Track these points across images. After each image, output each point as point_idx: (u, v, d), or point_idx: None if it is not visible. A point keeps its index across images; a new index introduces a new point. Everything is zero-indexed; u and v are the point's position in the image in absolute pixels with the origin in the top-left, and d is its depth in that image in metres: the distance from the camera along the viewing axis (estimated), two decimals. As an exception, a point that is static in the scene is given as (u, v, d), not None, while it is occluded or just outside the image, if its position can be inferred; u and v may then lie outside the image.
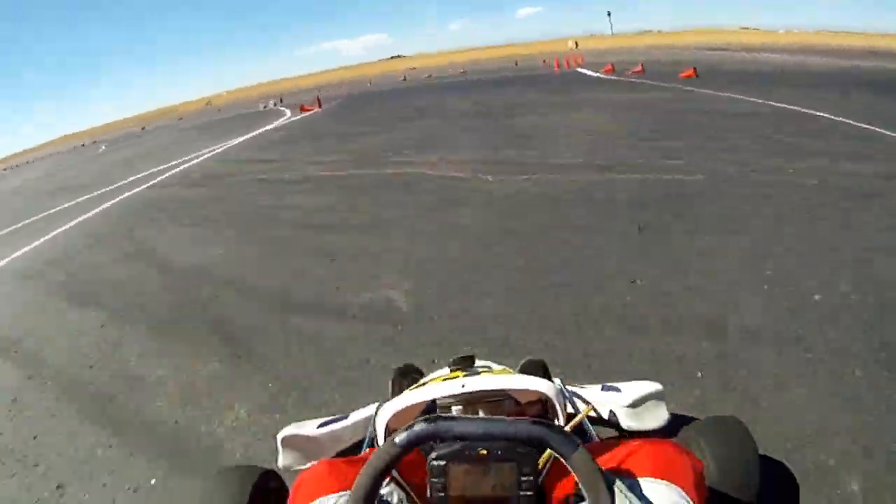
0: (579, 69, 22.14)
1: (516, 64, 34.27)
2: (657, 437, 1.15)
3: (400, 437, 0.74)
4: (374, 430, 1.51)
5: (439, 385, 1.13)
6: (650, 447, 0.95)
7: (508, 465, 0.76)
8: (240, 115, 24.58)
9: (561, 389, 1.21)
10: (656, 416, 1.71)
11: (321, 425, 1.80)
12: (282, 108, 23.68)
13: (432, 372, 1.51)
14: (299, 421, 1.91)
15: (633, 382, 1.81)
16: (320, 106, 19.92)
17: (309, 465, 1.73)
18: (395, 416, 1.09)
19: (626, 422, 1.73)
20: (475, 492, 0.77)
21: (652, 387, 1.72)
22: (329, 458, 1.75)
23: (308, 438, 1.75)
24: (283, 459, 1.74)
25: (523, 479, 0.76)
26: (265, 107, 27.82)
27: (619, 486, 0.77)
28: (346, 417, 1.84)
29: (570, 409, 1.39)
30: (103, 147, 25.17)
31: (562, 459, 0.74)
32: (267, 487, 1.35)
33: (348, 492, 0.81)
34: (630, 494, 0.78)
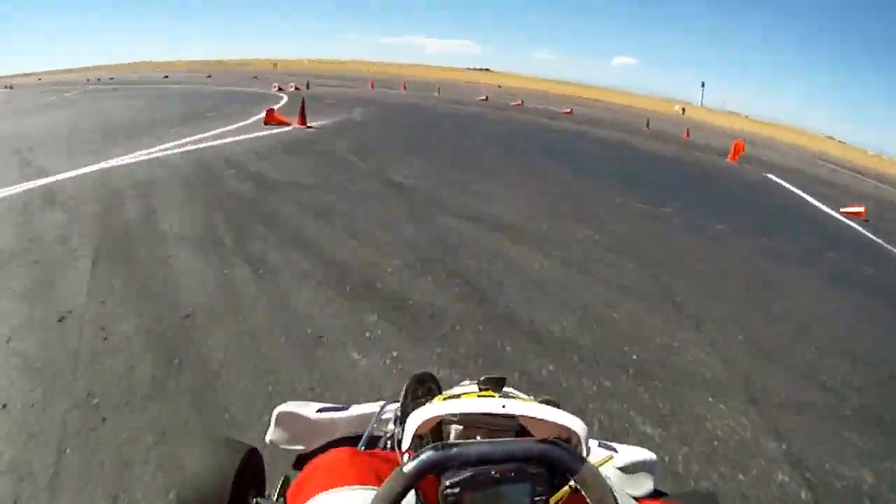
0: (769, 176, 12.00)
1: (648, 126, 21.81)
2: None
3: (409, 467, 0.74)
4: (391, 433, 1.50)
5: (476, 400, 1.11)
6: None
7: (521, 487, 0.76)
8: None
9: (587, 432, 1.18)
10: (643, 485, 1.76)
11: (320, 410, 1.79)
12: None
13: (459, 385, 1.46)
14: (298, 402, 1.89)
15: (630, 447, 1.85)
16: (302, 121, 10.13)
17: (297, 448, 1.76)
18: (423, 423, 1.07)
19: (615, 483, 1.65)
20: None
21: (646, 455, 1.78)
22: (318, 446, 1.77)
23: (304, 420, 1.74)
24: (272, 434, 1.73)
25: (536, 499, 0.77)
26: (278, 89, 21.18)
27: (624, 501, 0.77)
28: (346, 409, 1.83)
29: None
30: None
31: (569, 476, 0.76)
32: (249, 465, 1.33)
33: (369, 487, 0.86)
34: None
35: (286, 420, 1.72)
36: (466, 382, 1.43)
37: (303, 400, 1.98)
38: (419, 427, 1.05)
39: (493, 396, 1.17)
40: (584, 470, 0.76)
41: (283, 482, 1.64)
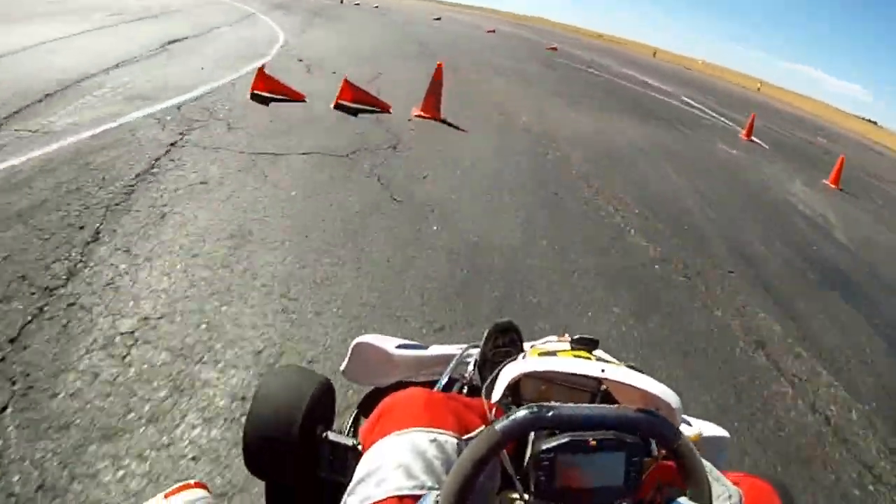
0: None
1: None
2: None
3: (503, 426, 0.71)
4: (470, 378, 1.44)
5: (575, 361, 1.06)
6: (752, 482, 0.98)
7: (617, 455, 0.73)
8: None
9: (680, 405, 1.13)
10: (716, 461, 1.65)
11: (400, 346, 1.68)
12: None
13: (544, 340, 1.42)
14: (380, 335, 1.77)
15: (705, 422, 1.79)
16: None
17: (377, 384, 1.69)
18: (520, 375, 1.02)
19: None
20: (583, 483, 0.73)
21: (720, 431, 1.72)
22: (392, 383, 1.69)
23: (383, 354, 1.63)
24: (348, 364, 1.64)
25: (630, 469, 0.74)
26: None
27: (715, 475, 0.78)
28: (425, 348, 1.72)
29: None
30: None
31: (665, 447, 0.75)
32: (321, 397, 1.28)
33: (448, 433, 0.84)
34: (726, 484, 0.78)
35: (363, 352, 1.61)
36: (554, 338, 1.39)
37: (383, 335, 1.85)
38: (513, 380, 1.01)
39: (590, 358, 1.13)
40: (681, 443, 0.75)
41: (354, 417, 1.60)
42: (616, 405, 0.76)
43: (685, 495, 0.75)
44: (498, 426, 0.71)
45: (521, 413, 0.72)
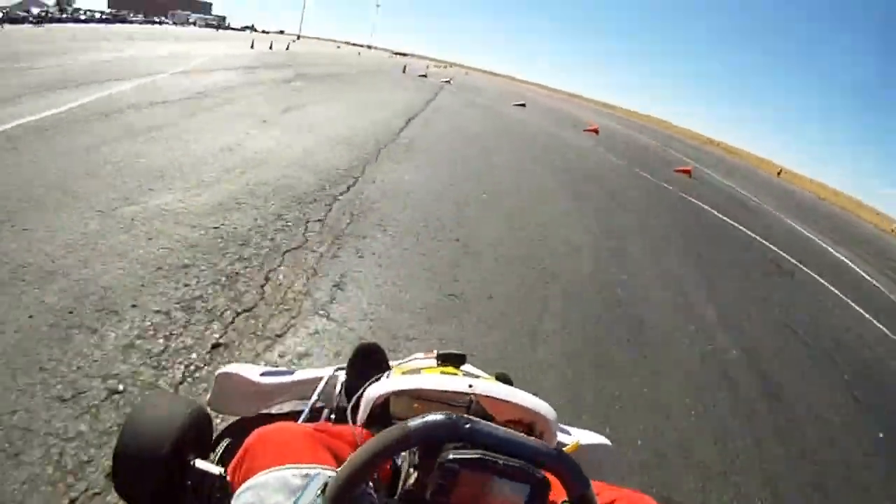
0: None
1: None
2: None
3: (415, 425, 0.69)
4: (337, 403, 1.45)
5: (441, 377, 1.07)
6: (632, 498, 0.95)
7: (522, 487, 0.70)
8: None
9: (556, 418, 1.11)
10: (597, 470, 1.61)
11: (264, 374, 1.67)
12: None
13: (411, 358, 1.42)
14: (242, 363, 1.80)
15: (586, 431, 1.79)
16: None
17: (243, 414, 1.69)
18: (385, 395, 1.04)
19: None
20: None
21: (601, 440, 1.72)
22: (262, 411, 1.70)
23: (247, 383, 1.62)
24: (213, 398, 1.65)
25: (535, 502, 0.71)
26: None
27: None
28: (291, 373, 1.71)
29: None
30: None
31: (568, 494, 0.72)
32: (194, 424, 1.27)
33: (319, 466, 0.80)
34: None
35: (228, 382, 1.62)
36: (421, 355, 1.38)
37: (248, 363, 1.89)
38: (377, 400, 1.03)
39: (457, 374, 1.12)
40: (588, 494, 0.71)
41: (224, 448, 1.53)
42: (537, 440, 0.74)
43: None
44: (411, 424, 0.69)
45: (438, 417, 0.69)
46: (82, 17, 25.88)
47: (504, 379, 1.56)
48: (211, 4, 73.08)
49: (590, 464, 1.61)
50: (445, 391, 1.00)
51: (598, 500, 0.77)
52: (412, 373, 1.14)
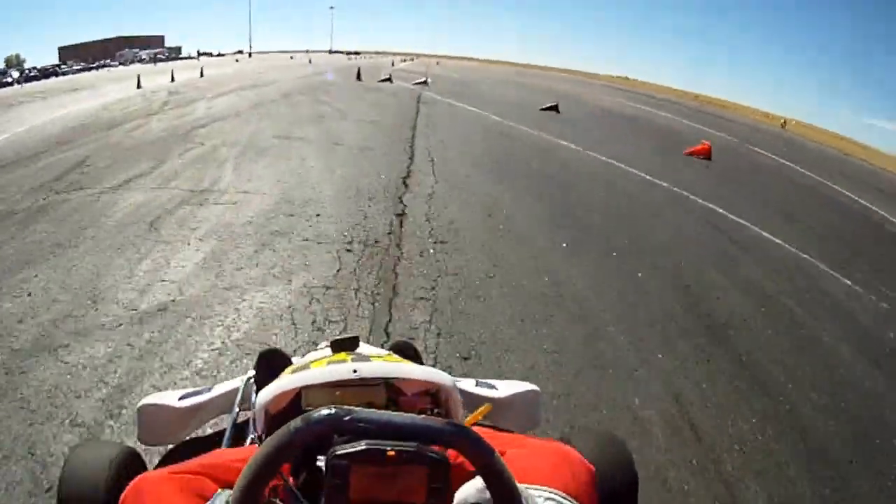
0: None
1: None
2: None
3: (297, 426, 0.65)
4: (241, 411, 1.45)
5: (325, 368, 1.05)
6: (544, 447, 0.93)
7: (419, 471, 0.67)
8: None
9: (455, 383, 1.10)
10: (530, 418, 1.74)
11: (182, 397, 1.68)
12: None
13: (309, 353, 1.42)
14: (159, 392, 1.83)
15: (509, 381, 1.84)
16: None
17: (172, 441, 1.70)
18: (274, 399, 1.02)
19: (500, 421, 1.68)
20: (381, 497, 0.67)
21: (527, 387, 1.76)
22: (189, 435, 1.70)
23: (168, 410, 1.62)
24: (141, 433, 1.63)
25: (433, 485, 0.67)
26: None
27: (525, 495, 0.72)
28: (209, 390, 1.73)
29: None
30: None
31: (474, 465, 0.68)
32: (125, 465, 1.26)
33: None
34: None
35: (149, 414, 1.62)
36: (323, 345, 1.37)
37: (163, 391, 1.89)
38: (269, 405, 1.01)
39: (346, 360, 1.10)
40: (494, 460, 0.68)
41: None
42: (429, 417, 0.71)
43: None
44: (292, 425, 0.66)
45: (318, 413, 0.66)
46: (8, 81, 22.53)
47: (404, 348, 1.60)
48: (163, 37, 70.52)
49: (518, 411, 1.71)
50: (330, 382, 1.00)
51: (502, 446, 0.77)
52: (302, 369, 1.12)
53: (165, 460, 1.65)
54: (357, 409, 0.66)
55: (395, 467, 0.66)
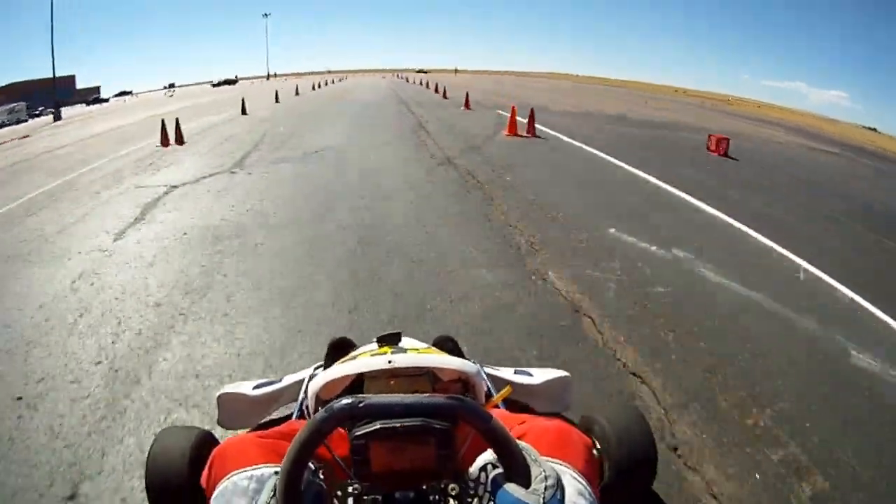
0: None
1: None
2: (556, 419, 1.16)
3: (320, 416, 0.78)
4: (307, 398, 1.58)
5: (367, 360, 1.20)
6: (545, 425, 1.03)
7: (425, 440, 0.80)
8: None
9: (479, 370, 1.26)
10: (561, 401, 1.92)
11: (256, 387, 1.88)
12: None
13: (363, 346, 1.58)
14: (236, 382, 2.05)
15: (544, 369, 2.01)
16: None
17: (248, 426, 1.87)
18: (324, 386, 1.17)
19: (534, 403, 1.89)
20: (397, 466, 0.81)
21: (559, 374, 1.93)
22: (264, 419, 1.90)
23: (244, 399, 1.83)
24: (221, 418, 1.85)
25: (441, 452, 0.80)
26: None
27: (527, 452, 0.80)
28: (280, 381, 1.93)
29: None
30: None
31: (476, 431, 0.79)
32: (202, 447, 1.41)
33: (264, 466, 0.92)
34: (538, 461, 0.80)
35: (227, 402, 1.83)
36: (371, 343, 1.51)
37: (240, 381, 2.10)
38: (321, 392, 1.17)
39: (386, 353, 1.23)
40: (492, 425, 0.78)
41: None
42: (429, 394, 0.83)
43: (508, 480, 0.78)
44: (317, 416, 0.78)
45: (338, 404, 0.78)
46: None
47: (445, 342, 1.72)
48: (74, 76, 59.66)
49: (550, 396, 1.90)
50: (367, 372, 1.14)
51: (513, 430, 0.89)
52: (349, 360, 1.27)
53: None
54: (369, 396, 0.80)
55: (407, 440, 0.79)
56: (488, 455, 0.83)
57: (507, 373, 1.97)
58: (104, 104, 42.44)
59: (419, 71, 77.01)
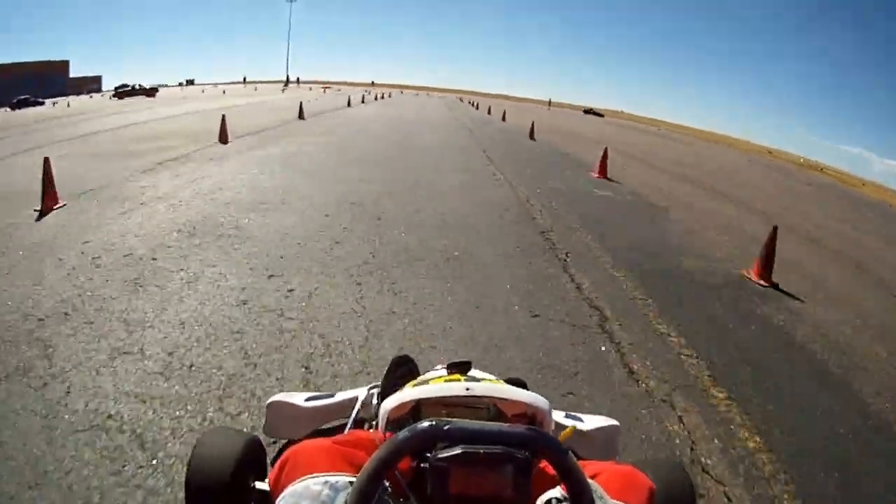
0: None
1: None
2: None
3: (404, 436, 0.80)
4: (375, 415, 1.57)
5: (443, 385, 1.20)
6: (615, 469, 1.08)
7: (505, 468, 0.81)
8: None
9: (550, 408, 1.25)
10: (609, 450, 1.89)
11: (308, 399, 1.88)
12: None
13: (428, 370, 1.58)
14: (288, 392, 2.04)
15: (594, 416, 1.99)
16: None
17: (294, 437, 1.86)
18: (396, 407, 1.18)
19: (582, 450, 1.83)
20: (472, 492, 0.82)
21: (610, 422, 1.91)
22: (309, 432, 1.87)
23: (295, 409, 1.83)
24: (267, 426, 1.85)
25: (518, 481, 0.82)
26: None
27: (597, 492, 0.83)
28: (332, 396, 1.92)
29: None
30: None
31: (551, 464, 0.81)
32: (250, 451, 1.42)
33: (338, 474, 0.94)
34: (605, 499, 0.85)
35: (277, 409, 1.83)
36: (438, 367, 1.53)
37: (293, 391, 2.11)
38: (391, 412, 1.18)
39: (459, 380, 1.24)
40: (567, 459, 0.81)
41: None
42: (511, 425, 0.85)
43: None
44: (400, 435, 0.80)
45: (422, 425, 0.81)
46: None
47: (516, 382, 1.68)
48: (67, 62, 49.46)
49: (600, 443, 1.86)
50: (446, 396, 1.14)
51: (585, 471, 0.88)
52: (421, 384, 1.27)
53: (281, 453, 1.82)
54: (454, 420, 0.82)
55: (486, 467, 0.81)
56: (556, 491, 0.86)
57: (558, 415, 1.92)
58: (149, 97, 35.73)
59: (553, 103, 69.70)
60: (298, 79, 76.41)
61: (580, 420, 1.90)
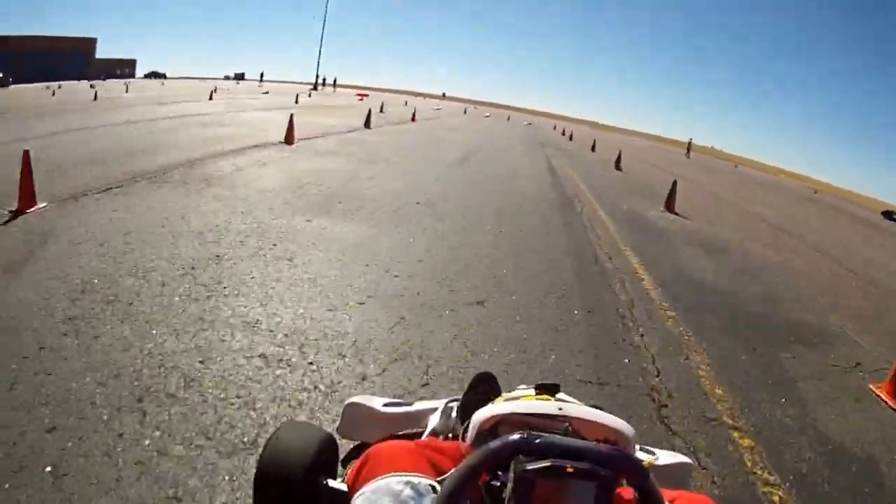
0: None
1: None
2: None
3: (495, 445, 0.83)
4: (451, 428, 1.62)
5: (536, 402, 1.22)
6: (690, 496, 1.11)
7: (588, 486, 0.82)
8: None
9: (635, 435, 1.25)
10: (680, 487, 1.80)
11: (387, 405, 1.89)
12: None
13: (516, 389, 1.57)
14: (368, 395, 2.03)
15: (668, 451, 1.96)
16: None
17: (367, 440, 1.85)
18: (487, 419, 1.19)
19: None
20: None
21: (683, 459, 1.89)
22: (383, 437, 1.86)
23: (372, 412, 1.84)
24: (341, 423, 1.86)
25: (601, 498, 0.83)
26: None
27: None
28: (410, 405, 1.92)
29: None
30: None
31: (633, 486, 0.84)
32: (324, 449, 1.41)
33: (420, 476, 0.96)
34: None
35: (354, 412, 1.85)
36: (523, 387, 1.54)
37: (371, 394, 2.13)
38: (482, 423, 1.19)
39: (549, 400, 1.26)
40: (649, 482, 0.84)
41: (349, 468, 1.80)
42: (598, 444, 0.88)
43: None
44: (492, 444, 0.83)
45: (513, 437, 0.83)
46: None
47: (550, 387, 1.66)
48: (95, 39, 43.68)
49: (672, 480, 1.76)
50: (539, 414, 1.15)
51: (666, 496, 0.90)
52: (511, 400, 1.30)
53: (350, 455, 1.84)
54: (545, 434, 0.85)
55: (571, 482, 0.82)
56: None
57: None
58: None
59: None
60: (336, 80, 56.89)
61: (653, 454, 1.87)
